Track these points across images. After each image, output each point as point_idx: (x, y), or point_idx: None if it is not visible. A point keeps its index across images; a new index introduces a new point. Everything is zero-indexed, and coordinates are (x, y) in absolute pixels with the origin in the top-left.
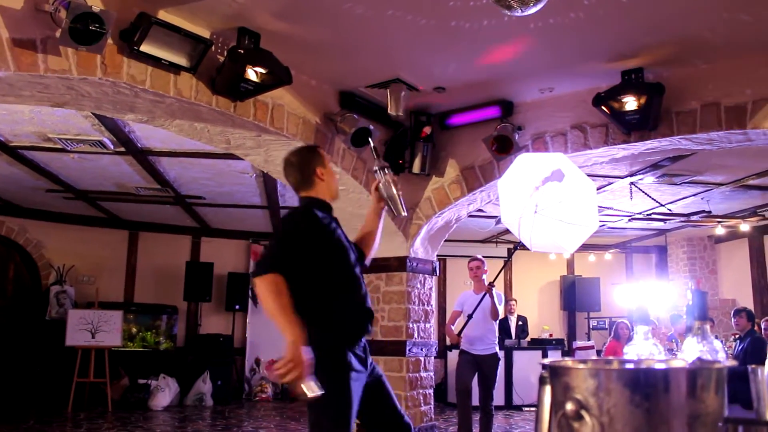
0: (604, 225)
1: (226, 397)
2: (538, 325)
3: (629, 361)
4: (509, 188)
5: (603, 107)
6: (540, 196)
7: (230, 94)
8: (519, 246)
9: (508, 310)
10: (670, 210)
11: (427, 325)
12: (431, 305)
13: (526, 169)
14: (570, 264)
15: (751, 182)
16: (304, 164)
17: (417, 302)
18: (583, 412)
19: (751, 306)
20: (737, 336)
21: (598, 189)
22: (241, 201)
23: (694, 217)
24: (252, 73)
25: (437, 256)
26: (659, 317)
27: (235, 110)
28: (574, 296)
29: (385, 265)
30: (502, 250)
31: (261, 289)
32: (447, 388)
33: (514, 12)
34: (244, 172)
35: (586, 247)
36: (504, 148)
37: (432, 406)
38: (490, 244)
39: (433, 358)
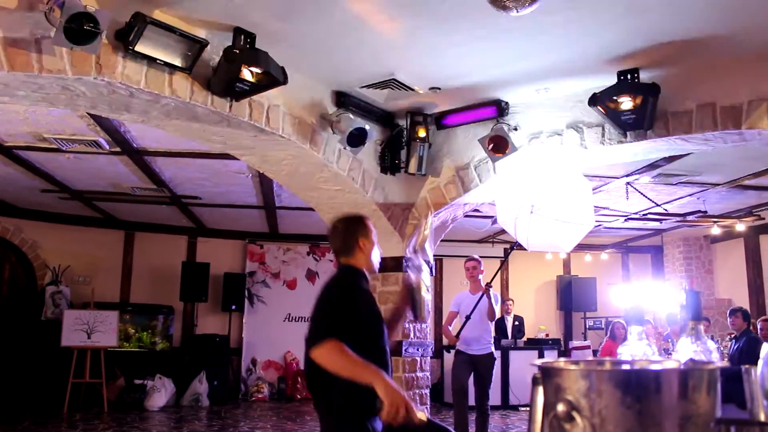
0: (600, 225)
1: (222, 397)
2: (535, 325)
3: (620, 362)
4: (505, 189)
5: (599, 107)
6: (535, 196)
7: (226, 94)
8: (516, 246)
9: (505, 310)
10: (666, 210)
11: (424, 325)
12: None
13: (522, 170)
14: (566, 264)
15: (746, 182)
16: (348, 233)
17: None
18: (575, 414)
19: (746, 306)
20: (733, 336)
21: (594, 189)
22: (237, 201)
23: (690, 217)
24: (247, 73)
25: (434, 256)
26: (655, 317)
27: (230, 110)
28: (571, 296)
29: (381, 266)
30: (498, 250)
31: (325, 356)
32: (444, 388)
33: (510, 12)
34: (240, 172)
35: (582, 247)
36: (500, 148)
37: (428, 407)
38: (487, 244)
39: (429, 358)
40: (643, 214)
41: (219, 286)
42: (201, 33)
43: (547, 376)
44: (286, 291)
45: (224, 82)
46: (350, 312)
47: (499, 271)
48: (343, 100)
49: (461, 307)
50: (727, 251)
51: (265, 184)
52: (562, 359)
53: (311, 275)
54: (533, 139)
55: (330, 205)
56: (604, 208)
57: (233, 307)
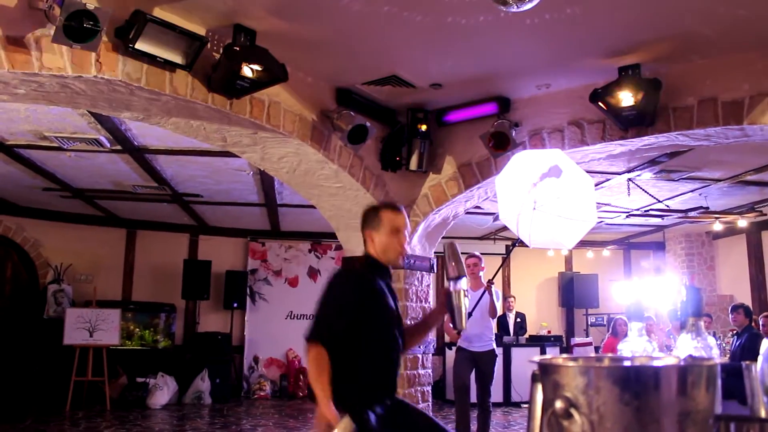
0: (601, 221)
1: (224, 395)
2: (537, 321)
3: (619, 359)
4: (507, 185)
5: (600, 103)
6: (538, 192)
7: (226, 91)
8: (518, 243)
9: (507, 307)
10: (667, 206)
11: None
12: (429, 302)
13: (523, 166)
14: (568, 260)
15: (748, 178)
16: (362, 223)
17: (415, 299)
18: (573, 411)
19: (748, 302)
20: (735, 332)
21: (595, 185)
22: (238, 199)
23: (692, 213)
24: (248, 71)
25: (435, 253)
26: (658, 313)
27: (231, 108)
28: (573, 293)
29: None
30: (500, 247)
31: (308, 357)
32: (445, 385)
33: (510, 8)
34: (241, 169)
35: (584, 244)
36: (501, 144)
37: (430, 404)
38: (488, 240)
39: (431, 355)
40: (645, 211)
41: (221, 283)
42: (201, 30)
43: (545, 373)
44: (287, 288)
45: (224, 80)
46: (336, 307)
47: (501, 268)
48: (343, 97)
49: None
50: (729, 247)
51: (266, 181)
52: (560, 356)
53: (313, 273)
54: (534, 135)
55: (331, 203)
56: (605, 204)
57: (235, 304)
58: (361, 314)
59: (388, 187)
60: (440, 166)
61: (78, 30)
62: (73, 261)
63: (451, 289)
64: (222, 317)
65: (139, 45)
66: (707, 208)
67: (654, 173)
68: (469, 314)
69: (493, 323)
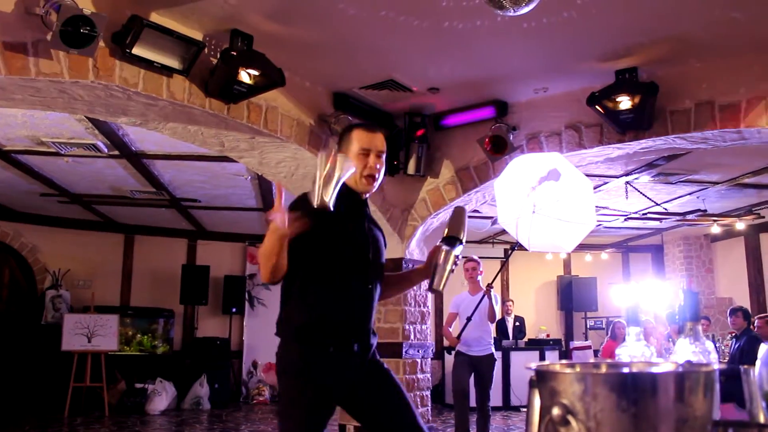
0: (600, 225)
1: (223, 400)
2: (536, 325)
3: (616, 365)
4: (506, 189)
5: (597, 107)
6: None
7: (223, 96)
8: (516, 247)
9: (505, 311)
10: (665, 209)
11: (424, 327)
12: (427, 306)
13: (521, 170)
14: (567, 264)
15: (746, 181)
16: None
17: (413, 303)
18: (570, 417)
19: (747, 304)
20: (734, 335)
21: (593, 189)
22: (236, 203)
23: (690, 216)
24: (245, 75)
25: None
26: (656, 316)
27: (228, 112)
28: (571, 296)
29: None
30: (498, 251)
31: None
32: (444, 389)
33: (507, 12)
34: (239, 174)
35: (582, 247)
36: (499, 148)
37: (429, 408)
38: (487, 244)
39: (429, 359)
40: (643, 214)
41: (219, 288)
42: (198, 35)
43: (542, 379)
44: None
45: (222, 85)
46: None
47: (500, 272)
48: (341, 101)
49: (461, 308)
50: (728, 250)
51: (264, 186)
52: (557, 362)
53: None
54: (532, 139)
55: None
56: (603, 207)
57: (234, 309)
58: (304, 234)
59: (385, 192)
60: (438, 170)
61: (75, 35)
62: (71, 266)
63: (444, 247)
64: (220, 322)
65: (136, 50)
66: (705, 210)
67: (652, 176)
68: (469, 318)
69: (492, 327)
